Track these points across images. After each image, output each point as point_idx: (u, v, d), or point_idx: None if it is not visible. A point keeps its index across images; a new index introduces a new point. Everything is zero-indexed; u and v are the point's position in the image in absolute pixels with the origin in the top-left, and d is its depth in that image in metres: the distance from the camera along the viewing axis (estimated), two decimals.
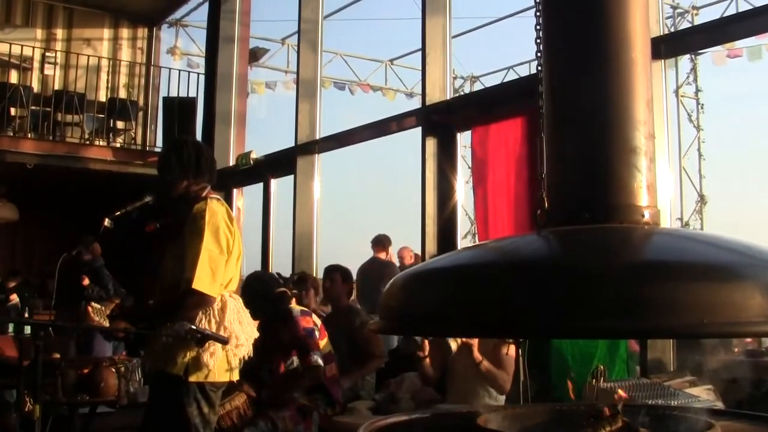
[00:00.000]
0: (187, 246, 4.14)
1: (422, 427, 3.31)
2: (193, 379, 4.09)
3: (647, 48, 2.86)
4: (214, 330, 4.09)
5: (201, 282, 4.04)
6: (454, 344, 5.15)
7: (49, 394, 5.16)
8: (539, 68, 2.98)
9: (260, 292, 6.03)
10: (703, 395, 4.81)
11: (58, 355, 7.02)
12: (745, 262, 2.39)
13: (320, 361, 5.73)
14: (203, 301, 4.10)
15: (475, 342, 5.00)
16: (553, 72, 2.91)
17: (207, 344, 4.03)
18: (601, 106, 2.74)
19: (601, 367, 4.75)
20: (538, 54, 2.98)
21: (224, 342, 4.05)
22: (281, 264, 12.44)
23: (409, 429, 3.23)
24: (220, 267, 4.15)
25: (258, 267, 11.40)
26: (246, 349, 4.29)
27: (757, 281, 2.24)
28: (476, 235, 11.60)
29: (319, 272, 10.49)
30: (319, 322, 6.06)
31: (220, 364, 4.15)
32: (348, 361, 6.43)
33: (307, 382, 5.73)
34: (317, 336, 5.86)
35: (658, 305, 2.17)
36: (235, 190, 12.42)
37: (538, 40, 2.97)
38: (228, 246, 4.20)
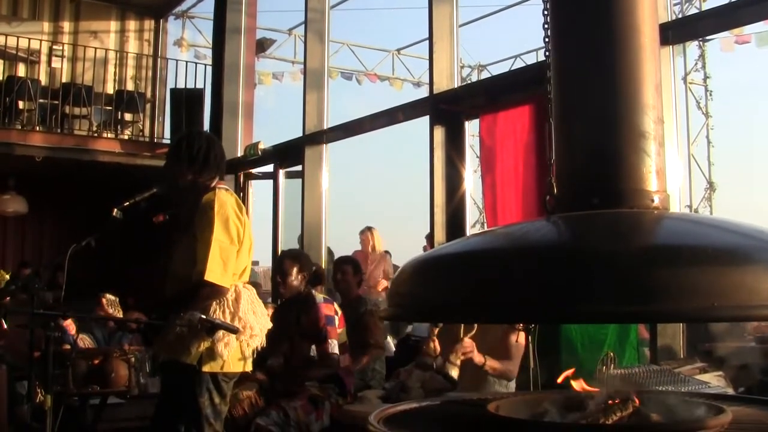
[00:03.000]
0: (198, 237, 4.15)
1: (432, 415, 3.31)
2: (206, 369, 4.10)
3: (655, 33, 2.86)
4: (228, 320, 4.10)
5: (213, 273, 4.05)
6: (455, 371, 5.11)
7: (60, 385, 5.17)
8: (547, 54, 2.97)
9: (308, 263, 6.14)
10: (713, 381, 4.81)
11: (68, 347, 7.04)
12: (756, 246, 2.38)
13: (336, 350, 5.73)
14: (216, 291, 4.11)
15: (473, 350, 4.96)
16: (561, 57, 2.91)
17: (222, 334, 4.04)
18: (609, 90, 2.73)
19: (611, 353, 4.75)
20: (546, 40, 2.97)
21: (234, 332, 4.06)
22: None
23: (419, 416, 3.23)
24: (231, 257, 4.16)
25: (268, 258, 11.45)
26: (260, 340, 4.30)
27: None
28: (485, 224, 11.57)
29: (326, 262, 10.51)
30: (339, 311, 6.06)
31: (234, 354, 4.16)
32: (351, 350, 6.43)
33: (323, 371, 5.74)
34: (336, 325, 5.86)
35: (669, 289, 2.16)
36: (243, 181, 12.43)
37: (546, 26, 2.97)
38: (239, 236, 4.21)
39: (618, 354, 5.11)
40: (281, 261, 6.18)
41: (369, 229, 10.97)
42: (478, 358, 4.95)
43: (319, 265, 9.19)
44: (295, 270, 5.99)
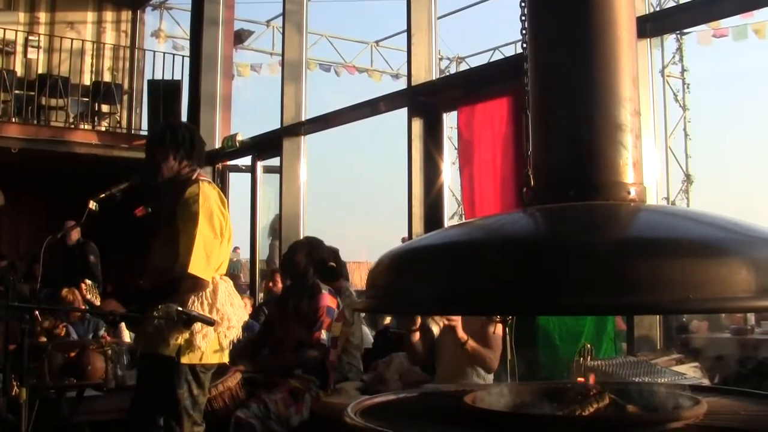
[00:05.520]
0: (181, 230, 4.14)
1: (410, 406, 3.31)
2: (185, 360, 4.11)
3: (632, 25, 2.86)
4: (206, 312, 4.10)
5: (196, 266, 4.06)
6: (436, 328, 5.12)
7: (36, 378, 5.15)
8: (524, 46, 2.97)
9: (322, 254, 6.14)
10: (689, 372, 4.83)
11: (44, 339, 7.01)
12: (732, 238, 2.40)
13: (325, 340, 5.73)
14: (198, 284, 4.12)
15: (458, 322, 4.98)
16: (538, 49, 2.91)
17: (200, 326, 4.04)
18: (586, 82, 2.74)
19: (588, 345, 4.77)
20: (524, 31, 2.97)
21: (211, 324, 4.06)
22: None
23: (396, 408, 3.24)
24: (214, 251, 4.17)
25: (246, 249, 11.42)
26: (236, 331, 4.32)
27: (743, 257, 2.25)
28: (463, 216, 11.58)
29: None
30: (341, 305, 6.06)
31: (211, 346, 4.17)
32: None
33: (311, 353, 5.73)
34: (334, 317, 5.86)
35: (645, 281, 2.17)
36: (221, 172, 12.40)
37: (524, 17, 2.96)
38: (221, 229, 4.22)
39: (595, 345, 5.13)
40: (295, 242, 6.26)
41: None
42: (461, 332, 4.95)
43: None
44: (302, 252, 6.02)
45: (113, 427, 5.45)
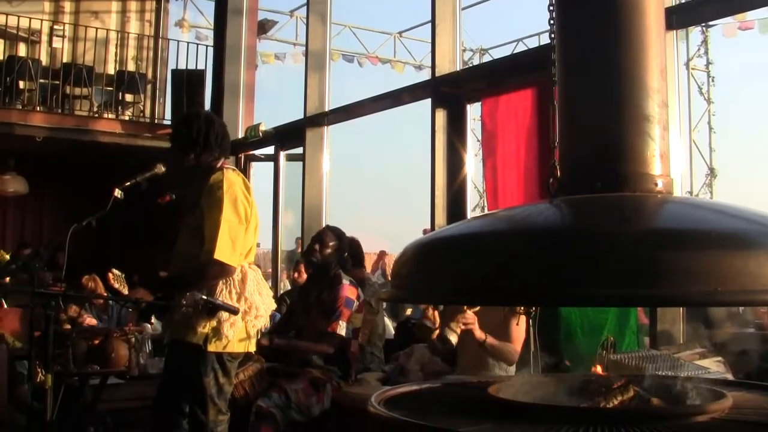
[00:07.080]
0: (206, 217, 4.17)
1: (433, 397, 3.31)
2: (212, 348, 4.14)
3: (661, 16, 2.84)
4: (234, 300, 4.13)
5: (222, 252, 4.07)
6: (453, 337, 5.11)
7: (61, 365, 5.17)
8: (552, 36, 2.96)
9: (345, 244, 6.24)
10: (713, 367, 4.80)
11: (69, 326, 7.05)
12: (760, 231, 2.38)
13: (343, 332, 5.74)
14: (224, 270, 4.14)
15: (474, 324, 4.96)
16: (566, 39, 2.89)
17: (227, 315, 4.06)
18: (614, 73, 2.72)
19: (611, 338, 4.75)
20: (551, 22, 2.95)
21: (234, 312, 4.08)
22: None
23: (420, 399, 3.24)
24: (239, 236, 4.18)
25: (268, 240, 11.44)
26: (264, 321, 4.35)
27: None
28: (485, 208, 11.56)
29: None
30: (362, 296, 6.07)
31: (238, 335, 4.19)
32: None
33: (326, 347, 5.75)
34: (353, 308, 5.86)
35: (672, 273, 2.16)
36: (244, 162, 12.42)
37: (551, 7, 2.95)
38: (246, 215, 4.23)
39: (617, 339, 5.10)
40: (324, 231, 6.27)
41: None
42: (478, 333, 4.94)
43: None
44: (332, 244, 6.04)
45: (135, 415, 5.49)
